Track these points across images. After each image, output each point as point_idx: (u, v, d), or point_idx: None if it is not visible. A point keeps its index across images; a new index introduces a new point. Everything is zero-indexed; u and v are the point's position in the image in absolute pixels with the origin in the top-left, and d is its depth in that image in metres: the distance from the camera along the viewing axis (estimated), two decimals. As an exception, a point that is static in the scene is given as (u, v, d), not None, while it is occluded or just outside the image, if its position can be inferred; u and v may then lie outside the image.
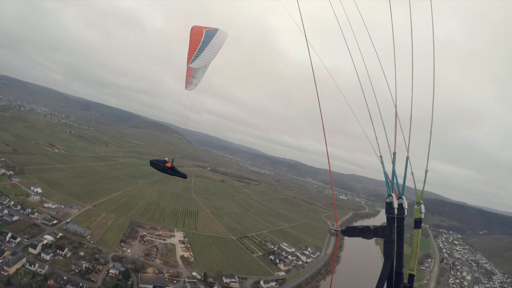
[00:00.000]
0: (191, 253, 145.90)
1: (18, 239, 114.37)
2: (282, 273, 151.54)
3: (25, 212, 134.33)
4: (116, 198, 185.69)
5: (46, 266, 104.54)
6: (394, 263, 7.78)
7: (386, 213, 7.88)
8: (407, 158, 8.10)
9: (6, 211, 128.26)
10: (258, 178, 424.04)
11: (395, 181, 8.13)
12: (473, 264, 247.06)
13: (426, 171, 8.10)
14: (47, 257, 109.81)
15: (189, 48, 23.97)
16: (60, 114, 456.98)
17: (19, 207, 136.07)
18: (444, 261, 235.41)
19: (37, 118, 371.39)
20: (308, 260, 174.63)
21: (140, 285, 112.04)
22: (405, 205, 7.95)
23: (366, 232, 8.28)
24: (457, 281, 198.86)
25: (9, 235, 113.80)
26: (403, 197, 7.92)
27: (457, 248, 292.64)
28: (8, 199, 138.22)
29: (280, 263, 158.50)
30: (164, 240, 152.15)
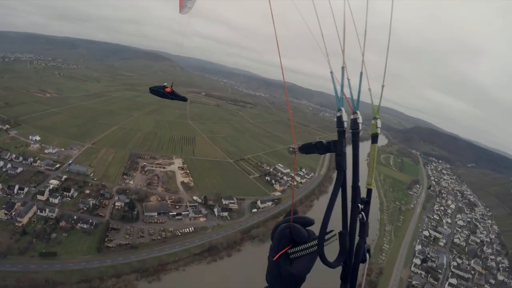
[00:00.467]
0: (191, 178, 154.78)
1: (26, 189, 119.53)
2: (277, 193, 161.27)
3: (28, 162, 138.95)
4: (114, 133, 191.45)
5: (56, 209, 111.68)
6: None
7: (336, 127, 8.44)
8: (361, 73, 8.59)
9: (9, 165, 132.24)
10: (253, 101, 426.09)
11: (351, 96, 8.69)
12: (458, 194, 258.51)
13: (383, 86, 8.24)
14: (56, 201, 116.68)
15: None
16: (46, 58, 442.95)
17: (21, 158, 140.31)
18: (431, 188, 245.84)
19: (23, 66, 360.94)
20: (303, 181, 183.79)
21: (145, 214, 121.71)
22: (360, 120, 8.43)
23: (319, 147, 9.16)
24: (442, 208, 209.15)
25: (17, 187, 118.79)
26: (358, 112, 8.66)
27: (445, 177, 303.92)
28: (9, 153, 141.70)
29: (275, 184, 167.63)
30: (164, 168, 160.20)
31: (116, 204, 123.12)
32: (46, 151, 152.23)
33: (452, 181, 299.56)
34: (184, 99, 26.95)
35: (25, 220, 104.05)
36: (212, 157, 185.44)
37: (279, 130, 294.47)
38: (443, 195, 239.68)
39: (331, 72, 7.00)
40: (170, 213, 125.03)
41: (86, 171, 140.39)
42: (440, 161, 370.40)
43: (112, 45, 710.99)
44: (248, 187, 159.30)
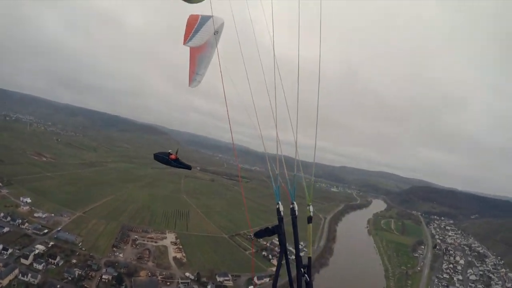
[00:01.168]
0: (184, 254, 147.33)
1: (10, 251, 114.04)
2: (275, 268, 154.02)
3: (15, 223, 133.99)
4: (107, 204, 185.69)
5: (39, 276, 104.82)
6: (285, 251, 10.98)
7: (277, 215, 10.80)
8: (294, 175, 11.57)
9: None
10: (249, 175, 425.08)
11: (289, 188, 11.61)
12: (466, 248, 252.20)
13: (313, 181, 11.37)
14: (40, 267, 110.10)
15: (185, 32, 21.56)
16: (46, 122, 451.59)
17: (9, 218, 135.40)
18: (437, 247, 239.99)
19: (23, 127, 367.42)
20: (301, 254, 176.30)
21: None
22: (296, 208, 10.85)
23: (267, 232, 11.32)
24: (451, 265, 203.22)
25: (0, 246, 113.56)
26: (294, 202, 10.74)
27: (450, 234, 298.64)
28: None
29: (273, 259, 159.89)
30: (156, 242, 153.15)
31: (104, 276, 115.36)
32: (35, 214, 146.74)
33: (458, 236, 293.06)
34: (188, 167, 26.28)
35: (5, 282, 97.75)
36: (207, 232, 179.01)
37: (274, 203, 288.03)
38: (450, 252, 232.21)
39: (271, 177, 10.91)
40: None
41: (75, 239, 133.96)
42: (443, 217, 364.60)
43: (111, 116, 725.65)
44: (244, 263, 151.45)
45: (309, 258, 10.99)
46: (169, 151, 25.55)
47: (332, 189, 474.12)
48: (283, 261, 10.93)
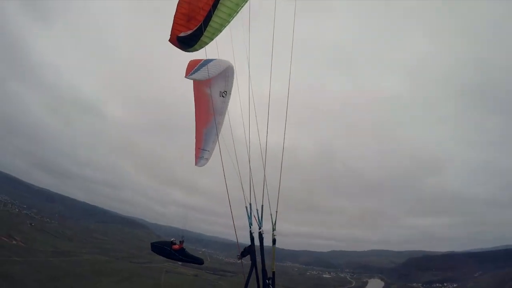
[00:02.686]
0: None
1: None
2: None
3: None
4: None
5: None
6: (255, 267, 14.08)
7: (250, 237, 14.17)
8: (262, 206, 14.15)
9: None
10: (234, 269, 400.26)
11: (258, 217, 14.63)
12: None
13: (276, 211, 13.95)
14: None
15: (187, 66, 19.40)
16: (22, 205, 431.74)
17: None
18: None
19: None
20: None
21: None
22: (262, 232, 14.15)
23: (244, 252, 15.04)
24: None
25: None
26: (261, 228, 14.01)
27: None
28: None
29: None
30: None
31: None
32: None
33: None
34: (199, 262, 24.08)
35: None
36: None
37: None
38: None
39: (246, 207, 15.25)
40: None
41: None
42: (445, 283, 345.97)
43: (90, 206, 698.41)
44: None
45: (273, 272, 13.92)
46: (172, 239, 22.37)
47: (324, 275, 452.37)
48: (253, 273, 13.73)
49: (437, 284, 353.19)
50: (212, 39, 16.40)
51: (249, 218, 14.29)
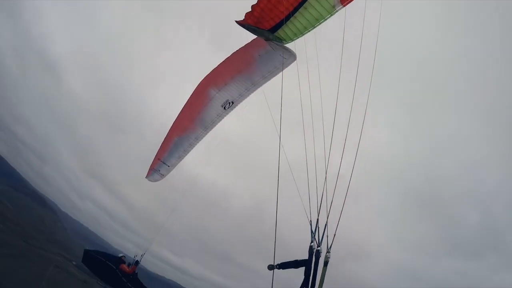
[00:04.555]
0: None
1: None
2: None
3: None
4: None
5: None
6: (310, 282, 12.00)
7: (308, 251, 12.47)
8: (325, 225, 12.67)
9: None
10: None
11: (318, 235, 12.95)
12: None
13: (334, 235, 12.50)
14: None
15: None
16: None
17: None
18: None
19: None
20: None
21: None
22: (321, 251, 12.48)
23: (296, 264, 12.95)
24: None
25: None
26: (321, 246, 12.44)
27: None
28: None
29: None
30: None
31: None
32: None
33: None
34: None
35: None
36: None
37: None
38: None
39: (310, 221, 13.16)
40: None
41: None
42: None
43: (9, 166, 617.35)
44: None
45: None
46: (121, 255, 17.16)
47: None
48: None
49: None
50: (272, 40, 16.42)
51: (313, 233, 12.91)
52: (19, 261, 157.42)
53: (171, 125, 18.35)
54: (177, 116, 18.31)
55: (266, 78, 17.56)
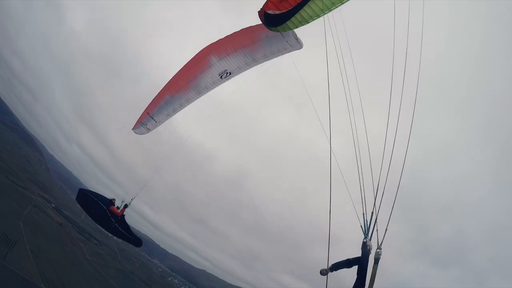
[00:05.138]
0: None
1: None
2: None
3: None
4: None
5: None
6: (366, 282, 11.42)
7: (361, 248, 12.12)
8: (376, 219, 12.20)
9: None
10: (102, 239, 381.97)
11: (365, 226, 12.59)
12: None
13: (386, 229, 11.97)
14: None
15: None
16: None
17: None
18: None
19: None
20: None
21: None
22: (370, 246, 12.11)
23: (348, 263, 12.47)
24: None
25: None
26: (370, 241, 12.18)
27: None
28: None
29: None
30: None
31: None
32: None
33: None
34: (137, 243, 19.66)
35: None
36: (25, 273, 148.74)
37: (115, 278, 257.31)
38: None
39: (363, 213, 12.87)
40: None
41: None
42: None
43: (2, 103, 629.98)
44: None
45: None
46: (112, 198, 18.61)
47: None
48: None
49: None
50: (297, 27, 16.21)
51: (366, 227, 12.42)
52: (0, 195, 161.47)
53: (165, 82, 18.80)
54: (173, 76, 18.95)
55: (267, 57, 18.55)
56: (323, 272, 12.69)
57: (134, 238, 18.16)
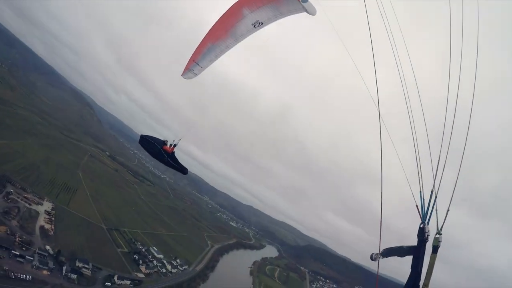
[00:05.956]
0: (53, 227, 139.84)
1: None
2: (141, 275, 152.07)
3: None
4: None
5: None
6: (420, 277, 10.31)
7: (417, 236, 10.67)
8: (435, 199, 10.96)
9: None
10: (154, 180, 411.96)
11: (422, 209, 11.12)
12: None
13: (448, 210, 10.60)
14: None
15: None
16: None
17: None
18: None
19: None
20: (173, 271, 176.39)
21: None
22: (428, 232, 10.60)
23: (401, 252, 11.45)
24: None
25: None
26: (428, 226, 10.67)
27: None
28: None
29: (142, 265, 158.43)
30: (29, 204, 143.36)
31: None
32: None
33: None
34: (183, 171, 23.04)
35: None
36: (87, 216, 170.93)
37: (168, 215, 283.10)
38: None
39: (420, 191, 11.16)
40: (13, 251, 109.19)
41: None
42: (328, 280, 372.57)
43: (45, 64, 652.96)
44: (111, 259, 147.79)
45: None
46: (165, 140, 21.89)
47: (230, 223, 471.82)
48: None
49: (321, 277, 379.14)
50: None
51: (424, 210, 10.96)
52: (56, 149, 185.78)
53: (206, 32, 21.14)
54: (212, 26, 21.20)
55: (291, 12, 20.28)
56: (374, 257, 12.00)
57: (181, 167, 22.20)
